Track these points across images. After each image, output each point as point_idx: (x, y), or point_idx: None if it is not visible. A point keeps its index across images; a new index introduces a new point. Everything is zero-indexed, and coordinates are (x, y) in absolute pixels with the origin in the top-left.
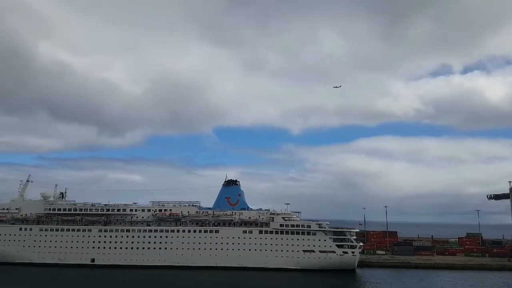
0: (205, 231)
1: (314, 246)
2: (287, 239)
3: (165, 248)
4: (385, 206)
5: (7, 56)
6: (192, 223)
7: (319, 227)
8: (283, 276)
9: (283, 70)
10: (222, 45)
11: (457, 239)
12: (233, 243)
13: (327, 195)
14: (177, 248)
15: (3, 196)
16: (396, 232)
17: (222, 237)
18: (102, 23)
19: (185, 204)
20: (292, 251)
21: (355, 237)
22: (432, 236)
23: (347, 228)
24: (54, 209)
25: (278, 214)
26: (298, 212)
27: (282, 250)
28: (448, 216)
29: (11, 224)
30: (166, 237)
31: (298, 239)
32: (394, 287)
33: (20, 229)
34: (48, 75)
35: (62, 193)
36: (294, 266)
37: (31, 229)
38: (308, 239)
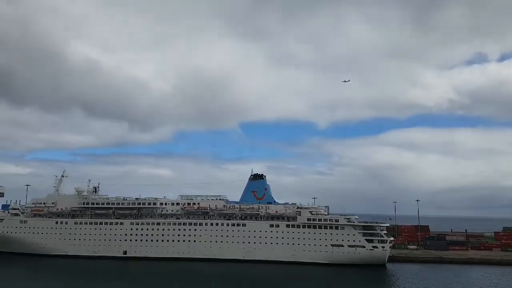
0: (232, 225)
1: (342, 240)
2: (314, 233)
3: (194, 241)
4: (417, 200)
5: (42, 56)
6: (220, 217)
7: (347, 222)
8: (312, 270)
9: (311, 62)
10: (249, 39)
11: (493, 234)
12: (260, 237)
13: (355, 189)
14: (205, 241)
15: (40, 191)
16: (428, 226)
17: (249, 231)
18: (132, 21)
19: (213, 198)
20: (320, 245)
21: (385, 232)
22: (466, 230)
23: (376, 223)
24: (88, 203)
25: (305, 208)
26: (326, 206)
27: (310, 244)
28: (484, 210)
29: (48, 217)
30: (195, 230)
31: (326, 233)
32: (428, 283)
33: (56, 222)
34: (80, 74)
35: (95, 188)
36: (323, 261)
37: (66, 223)
38: (337, 234)
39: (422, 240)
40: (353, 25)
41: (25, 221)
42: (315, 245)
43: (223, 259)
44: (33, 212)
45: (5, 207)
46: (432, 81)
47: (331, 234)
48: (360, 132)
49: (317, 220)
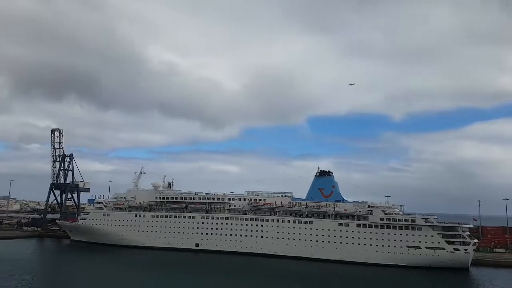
0: (299, 222)
1: (419, 242)
2: (388, 233)
3: (261, 237)
4: (505, 199)
5: (123, 60)
6: (286, 214)
7: (425, 222)
8: (385, 272)
9: (386, 52)
10: (319, 33)
11: None
12: (328, 236)
13: (434, 186)
14: (272, 237)
15: (121, 186)
16: None
17: (316, 229)
18: (206, 24)
19: (278, 195)
20: (395, 246)
21: (468, 233)
22: None
23: (458, 223)
24: (163, 198)
25: (377, 207)
26: (401, 206)
27: (383, 245)
28: None
29: (128, 211)
30: (261, 226)
31: (401, 234)
32: None
33: (135, 215)
34: (158, 76)
35: (169, 183)
36: (397, 262)
37: (144, 216)
38: (413, 234)
39: (511, 243)
40: (433, 10)
41: (108, 214)
42: (388, 246)
43: (290, 256)
44: (115, 206)
45: (91, 201)
46: None
47: (407, 234)
48: (440, 124)
49: (391, 219)
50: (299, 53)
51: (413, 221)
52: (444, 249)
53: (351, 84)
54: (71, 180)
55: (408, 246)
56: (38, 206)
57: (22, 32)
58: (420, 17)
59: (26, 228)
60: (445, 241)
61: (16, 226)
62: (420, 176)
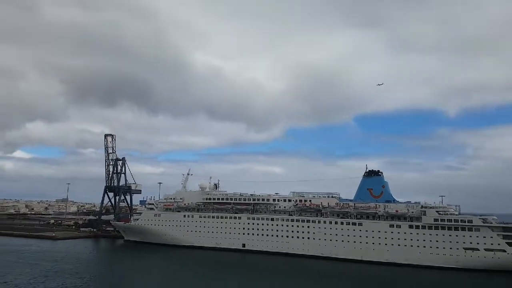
0: (347, 224)
1: (477, 243)
2: (443, 235)
3: (308, 238)
4: None
5: (172, 67)
6: (333, 215)
7: (483, 222)
8: (442, 275)
9: (438, 44)
10: (364, 27)
11: None
12: (379, 237)
13: (494, 185)
14: (319, 239)
15: (170, 188)
16: None
17: (366, 231)
18: (246, 26)
19: (325, 195)
20: (450, 248)
21: None
22: None
23: None
24: (210, 198)
25: (431, 208)
26: (456, 206)
27: (437, 247)
28: None
29: (177, 211)
30: (308, 227)
31: (457, 235)
32: None
33: (184, 216)
34: (204, 81)
35: (215, 184)
36: (453, 265)
37: (192, 216)
38: (470, 236)
39: None
40: None
41: (159, 215)
42: (444, 248)
43: (338, 258)
44: (165, 207)
45: (142, 202)
46: None
47: (463, 236)
48: (501, 119)
49: (446, 220)
50: (343, 49)
51: (470, 221)
52: (505, 251)
53: (379, 84)
54: (124, 183)
55: (465, 248)
56: (93, 208)
57: (75, 43)
58: (473, 5)
59: (83, 229)
60: (506, 242)
61: (73, 227)
62: (478, 174)
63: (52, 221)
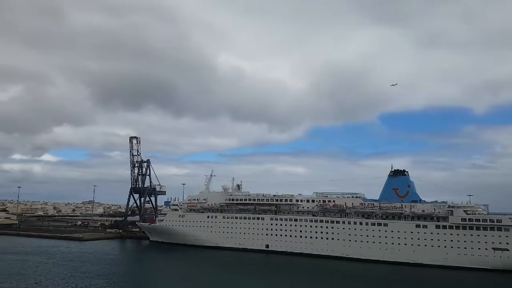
0: (373, 224)
1: (507, 243)
2: (471, 235)
3: (332, 239)
4: None
5: (195, 69)
6: (358, 215)
7: None
8: (470, 276)
9: (464, 40)
10: (389, 24)
11: None
12: (405, 238)
13: None
14: (343, 240)
15: (194, 189)
16: None
17: (391, 231)
18: (269, 26)
19: (349, 196)
20: (478, 248)
21: None
22: None
23: None
24: (232, 199)
25: (458, 207)
26: (485, 205)
27: (465, 247)
28: None
29: (201, 212)
30: (332, 227)
31: (485, 236)
32: None
33: (208, 216)
34: (227, 82)
35: (238, 185)
36: (482, 266)
37: (215, 217)
38: (499, 236)
39: None
40: None
41: (183, 216)
42: (472, 248)
43: (363, 259)
44: (189, 208)
45: (167, 203)
46: None
47: (492, 236)
48: None
49: (474, 220)
50: (368, 47)
51: (499, 221)
52: None
53: (393, 85)
54: (149, 184)
55: (494, 248)
56: (119, 209)
57: (100, 47)
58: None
59: (109, 230)
60: None
61: (100, 228)
62: (507, 173)
63: (79, 222)
